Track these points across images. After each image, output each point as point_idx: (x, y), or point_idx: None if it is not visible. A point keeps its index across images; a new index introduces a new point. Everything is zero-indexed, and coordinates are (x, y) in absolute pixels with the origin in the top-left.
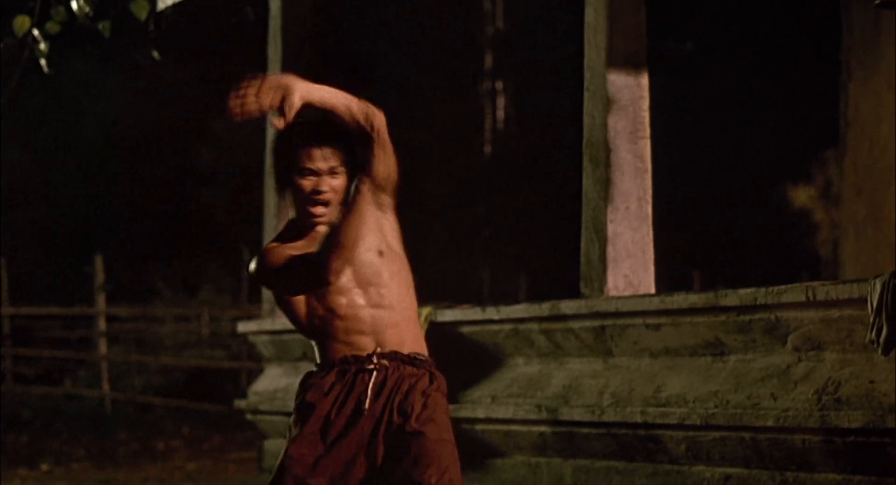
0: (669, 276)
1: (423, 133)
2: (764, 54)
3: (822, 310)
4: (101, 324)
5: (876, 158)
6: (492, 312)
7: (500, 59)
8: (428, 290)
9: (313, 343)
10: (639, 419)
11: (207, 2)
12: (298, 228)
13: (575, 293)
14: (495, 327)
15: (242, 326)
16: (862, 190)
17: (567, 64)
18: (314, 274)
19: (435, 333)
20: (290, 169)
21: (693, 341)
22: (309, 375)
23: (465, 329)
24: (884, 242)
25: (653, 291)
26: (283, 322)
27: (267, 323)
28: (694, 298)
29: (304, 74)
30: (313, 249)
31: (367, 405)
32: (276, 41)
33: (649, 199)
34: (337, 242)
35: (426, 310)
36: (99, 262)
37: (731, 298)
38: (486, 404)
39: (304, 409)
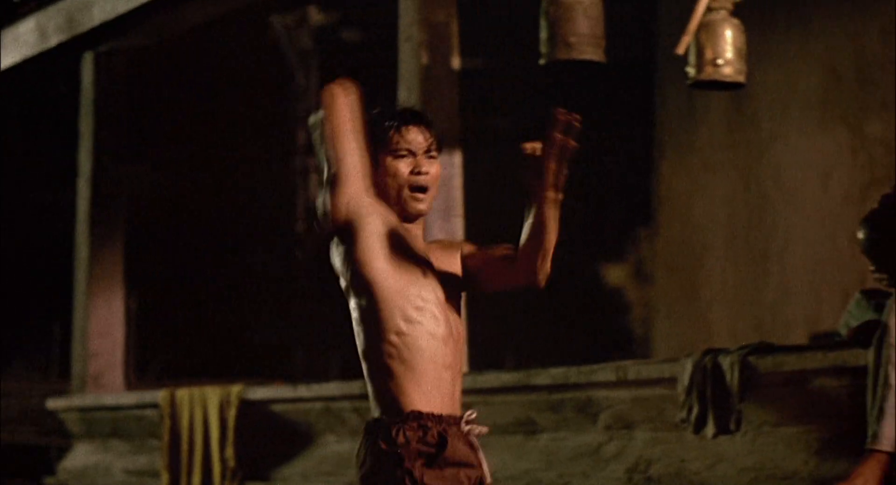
0: (481, 355)
1: (237, 208)
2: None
3: (634, 389)
4: None
5: (688, 236)
6: (303, 390)
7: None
8: (240, 366)
9: (373, 377)
10: None
11: (16, 74)
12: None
13: None
14: (307, 405)
15: (52, 403)
16: (674, 269)
17: None
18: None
19: (247, 410)
20: (381, 152)
21: (505, 420)
22: (382, 433)
23: (277, 407)
24: (695, 321)
25: (465, 370)
26: (93, 399)
27: (77, 399)
28: (506, 377)
29: (116, 149)
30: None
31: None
32: (87, 115)
33: None
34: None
35: (237, 388)
36: None
37: (543, 377)
38: (297, 482)
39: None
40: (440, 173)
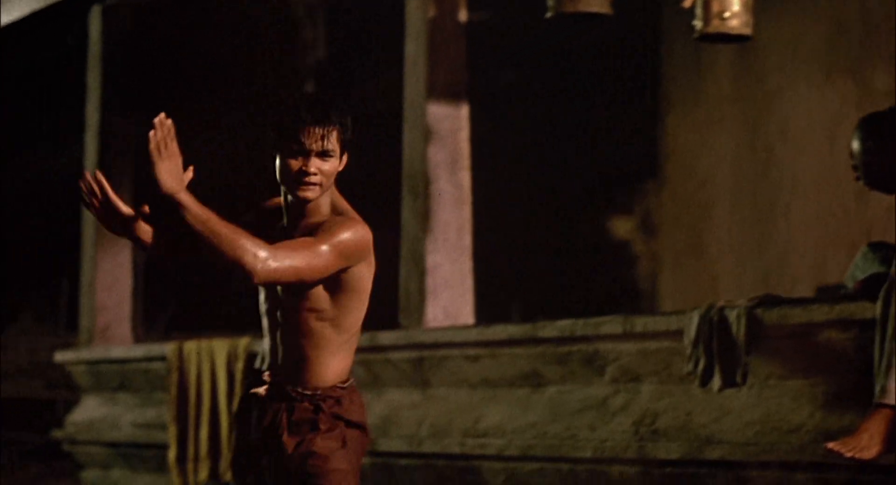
0: (488, 307)
1: (243, 162)
2: (584, 84)
3: (640, 342)
4: None
5: (694, 189)
6: None
7: (322, 89)
8: (248, 319)
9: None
10: (457, 450)
11: (25, 27)
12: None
13: (393, 324)
14: None
15: (60, 356)
16: (680, 222)
17: (388, 95)
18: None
19: (254, 363)
20: (280, 145)
21: (512, 373)
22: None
23: None
24: (702, 274)
25: (472, 322)
26: (100, 352)
27: (84, 352)
28: (513, 330)
29: (123, 103)
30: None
31: None
32: (95, 68)
33: (469, 230)
34: None
35: (244, 340)
36: None
37: (550, 329)
38: None
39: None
40: (337, 167)
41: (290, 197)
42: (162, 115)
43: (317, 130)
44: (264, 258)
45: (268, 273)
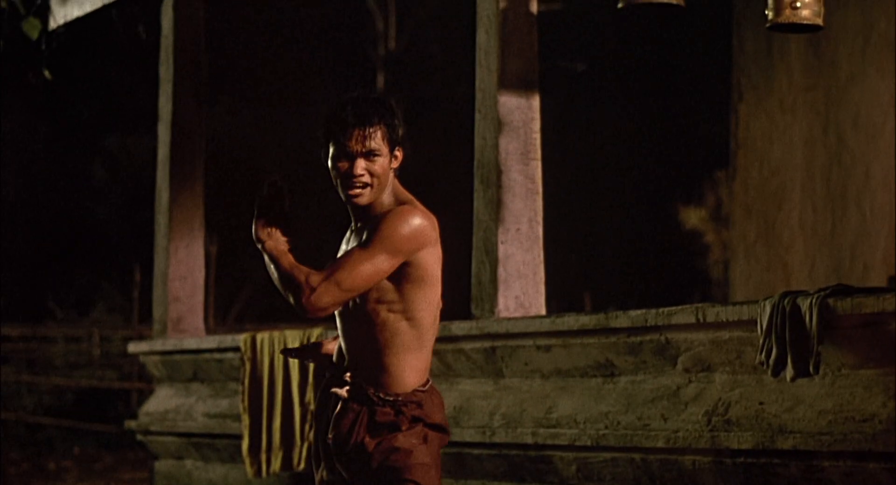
0: (560, 297)
1: (315, 152)
2: (655, 74)
3: (712, 331)
4: None
5: (766, 178)
6: None
7: (393, 80)
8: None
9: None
10: (530, 440)
11: (99, 20)
12: None
13: (466, 314)
14: None
15: (133, 347)
16: (752, 211)
17: (459, 85)
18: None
19: None
20: (328, 150)
21: (584, 363)
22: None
23: None
24: (774, 263)
25: (543, 312)
26: (174, 343)
27: (158, 343)
28: (584, 320)
29: (195, 93)
30: None
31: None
32: (167, 60)
33: (540, 220)
34: None
35: (317, 330)
36: None
37: (622, 319)
38: None
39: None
40: (386, 165)
41: None
42: (275, 177)
43: (358, 131)
44: (312, 296)
45: (322, 306)
